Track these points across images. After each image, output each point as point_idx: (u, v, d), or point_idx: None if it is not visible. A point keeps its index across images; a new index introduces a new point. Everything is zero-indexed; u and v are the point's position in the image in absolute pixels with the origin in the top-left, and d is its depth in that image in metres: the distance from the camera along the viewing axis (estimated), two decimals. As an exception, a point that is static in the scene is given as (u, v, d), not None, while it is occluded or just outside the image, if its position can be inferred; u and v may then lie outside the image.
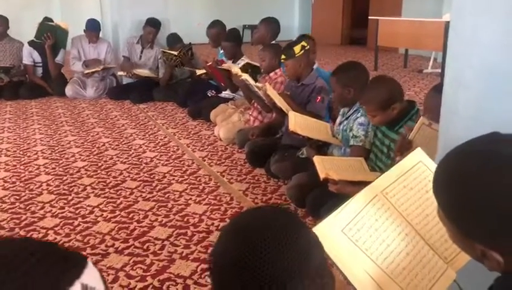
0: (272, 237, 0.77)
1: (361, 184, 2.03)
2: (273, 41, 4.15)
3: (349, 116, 2.50)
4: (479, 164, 0.79)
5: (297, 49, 2.91)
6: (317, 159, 2.24)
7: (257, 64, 3.94)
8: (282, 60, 3.02)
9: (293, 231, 0.80)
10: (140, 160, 3.40)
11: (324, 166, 2.17)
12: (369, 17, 8.59)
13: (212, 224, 2.41)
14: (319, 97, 2.90)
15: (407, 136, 1.94)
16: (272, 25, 4.19)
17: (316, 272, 0.79)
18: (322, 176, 2.11)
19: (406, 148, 1.92)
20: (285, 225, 0.80)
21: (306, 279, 0.77)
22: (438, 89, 1.86)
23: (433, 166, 1.19)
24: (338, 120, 2.66)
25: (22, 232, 2.34)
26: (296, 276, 0.76)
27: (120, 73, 5.44)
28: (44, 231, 2.36)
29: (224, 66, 4.01)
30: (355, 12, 10.79)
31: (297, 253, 0.77)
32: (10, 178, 3.07)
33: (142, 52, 5.44)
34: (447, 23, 6.05)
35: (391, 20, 7.28)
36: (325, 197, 2.19)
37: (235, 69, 3.61)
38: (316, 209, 2.28)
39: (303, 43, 2.97)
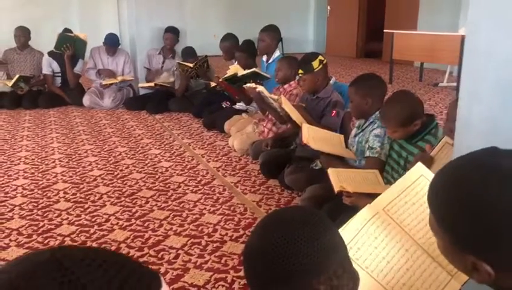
0: (290, 232, 0.82)
1: (376, 197, 2.04)
2: (277, 48, 4.24)
3: (365, 128, 2.51)
4: (481, 175, 0.79)
5: (315, 64, 2.94)
6: (331, 172, 2.24)
7: (264, 73, 4.01)
8: (299, 74, 3.03)
9: (316, 229, 0.84)
10: (155, 169, 3.44)
11: (338, 178, 2.17)
12: (385, 30, 8.59)
13: (226, 234, 2.43)
14: (334, 111, 2.91)
15: (429, 153, 1.93)
16: (274, 32, 4.25)
17: (334, 272, 0.82)
18: (336, 189, 2.11)
19: (426, 165, 1.92)
20: (308, 223, 0.84)
21: (322, 276, 0.81)
22: None
23: None
24: (353, 132, 2.66)
25: (40, 239, 2.39)
26: (311, 273, 0.80)
27: (141, 85, 5.53)
28: (61, 238, 2.40)
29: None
30: (371, 25, 10.80)
31: (316, 251, 0.81)
32: (28, 185, 3.13)
33: (163, 62, 5.53)
34: (463, 37, 6.04)
35: (406, 33, 7.28)
36: (340, 210, 2.18)
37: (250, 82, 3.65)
38: (330, 221, 2.28)
39: (320, 57, 2.99)
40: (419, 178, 1.22)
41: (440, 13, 8.25)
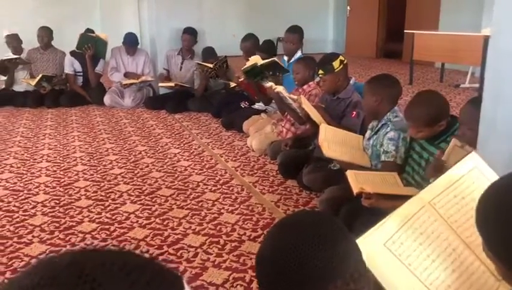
0: (304, 237, 0.81)
1: (397, 199, 2.02)
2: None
3: (378, 130, 2.49)
4: None
5: (336, 64, 2.93)
6: (349, 174, 2.22)
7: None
8: (320, 75, 3.02)
9: (330, 233, 0.83)
10: (175, 168, 3.47)
11: (357, 180, 2.16)
12: (405, 31, 8.50)
13: (244, 234, 2.43)
14: (355, 112, 2.90)
15: (441, 157, 1.91)
16: (301, 34, 4.25)
17: (350, 276, 0.80)
18: (355, 191, 2.08)
19: (439, 170, 1.90)
20: (322, 227, 0.83)
21: (338, 281, 0.79)
22: (474, 103, 1.84)
23: (490, 173, 1.12)
24: (367, 135, 2.64)
25: (61, 236, 2.43)
26: (327, 277, 0.79)
27: (161, 84, 5.57)
28: (82, 235, 2.44)
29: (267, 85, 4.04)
30: (391, 26, 10.70)
31: (332, 255, 0.80)
32: (51, 183, 3.19)
33: (182, 63, 5.57)
34: (486, 38, 5.93)
35: (427, 34, 7.19)
36: (359, 212, 2.17)
37: (269, 83, 3.64)
38: (349, 224, 2.26)
39: (341, 57, 2.98)
40: (471, 170, 1.13)
41: (462, 13, 8.12)
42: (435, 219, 1.09)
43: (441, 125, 2.08)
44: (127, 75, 5.65)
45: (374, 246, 1.05)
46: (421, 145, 2.21)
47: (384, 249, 1.05)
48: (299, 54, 4.21)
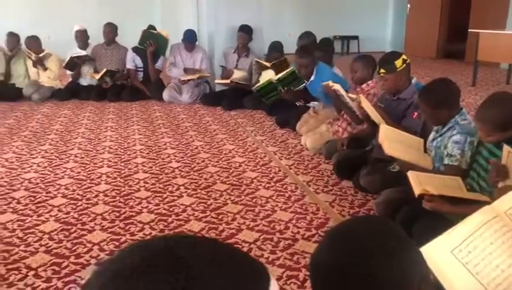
0: (377, 247, 0.78)
1: (460, 203, 1.94)
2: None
3: (444, 133, 2.39)
4: None
5: (398, 63, 2.85)
6: (411, 175, 2.15)
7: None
8: (381, 74, 2.93)
9: (396, 244, 0.79)
10: (229, 164, 3.51)
11: (419, 182, 2.09)
12: (469, 30, 8.14)
13: (298, 232, 2.43)
14: (416, 113, 2.80)
15: (497, 164, 1.84)
16: (314, 55, 4.14)
17: (418, 286, 0.78)
18: (417, 192, 2.01)
19: (503, 175, 1.82)
20: (388, 238, 0.80)
21: None
22: None
23: None
24: (431, 136, 2.55)
25: (121, 225, 2.52)
26: (397, 287, 0.76)
27: (217, 81, 5.66)
28: (141, 225, 2.53)
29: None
30: (453, 25, 10.29)
31: (399, 268, 0.77)
32: (112, 174, 3.32)
33: (238, 60, 5.62)
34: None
35: (493, 33, 6.85)
36: (418, 216, 2.10)
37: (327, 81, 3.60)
38: (407, 227, 2.20)
39: (403, 56, 2.90)
40: None
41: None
42: (509, 228, 1.06)
43: None
44: (186, 70, 5.78)
45: (441, 253, 1.04)
46: (490, 150, 2.10)
47: (451, 256, 1.04)
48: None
